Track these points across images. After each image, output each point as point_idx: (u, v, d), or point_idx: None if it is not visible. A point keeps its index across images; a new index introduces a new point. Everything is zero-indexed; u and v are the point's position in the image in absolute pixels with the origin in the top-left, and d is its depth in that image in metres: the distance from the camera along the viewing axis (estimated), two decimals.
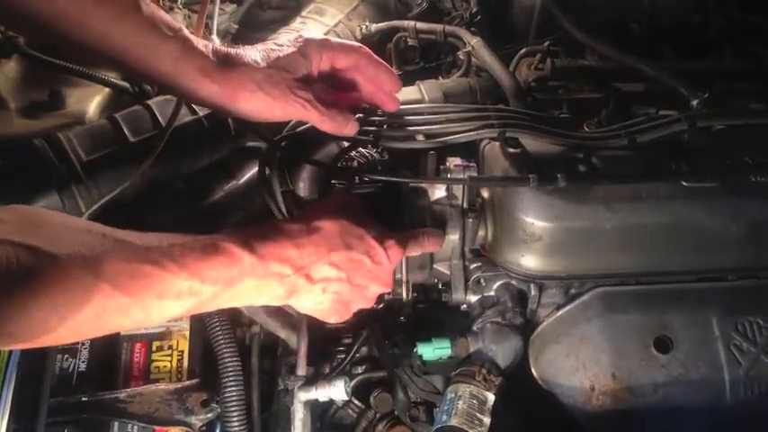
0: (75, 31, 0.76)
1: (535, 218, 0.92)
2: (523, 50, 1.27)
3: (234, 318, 0.97)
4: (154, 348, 0.89)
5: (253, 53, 0.82)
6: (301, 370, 0.92)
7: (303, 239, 0.76)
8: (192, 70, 0.78)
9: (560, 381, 0.95)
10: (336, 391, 0.89)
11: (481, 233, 1.01)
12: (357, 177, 1.06)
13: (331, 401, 0.97)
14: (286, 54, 0.83)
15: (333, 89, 0.90)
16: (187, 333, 0.90)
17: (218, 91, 0.79)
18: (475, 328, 0.98)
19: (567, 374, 0.95)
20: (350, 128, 0.88)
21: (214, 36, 1.19)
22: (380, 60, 0.90)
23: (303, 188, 1.04)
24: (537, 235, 0.92)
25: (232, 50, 0.82)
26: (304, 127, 1.05)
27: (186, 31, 0.79)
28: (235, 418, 0.84)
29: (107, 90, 1.23)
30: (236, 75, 0.79)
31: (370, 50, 0.89)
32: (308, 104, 0.82)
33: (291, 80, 0.81)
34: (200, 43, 0.80)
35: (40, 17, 0.76)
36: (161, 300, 0.64)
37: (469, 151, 1.04)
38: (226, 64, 0.80)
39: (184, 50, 0.78)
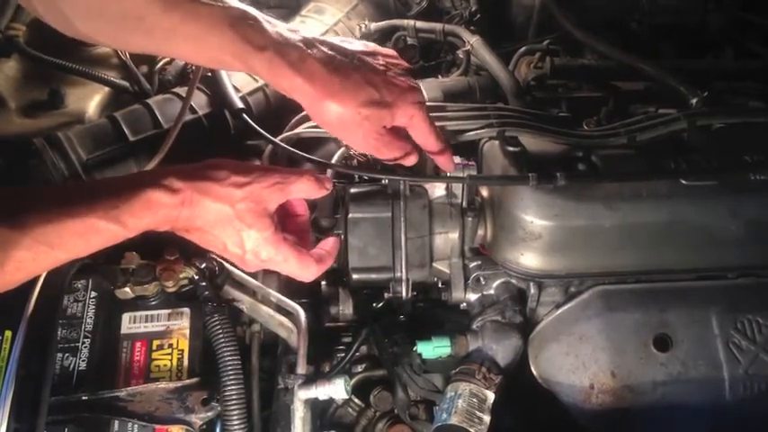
0: (166, 47, 0.79)
1: (534, 216, 0.92)
2: (523, 49, 1.27)
3: (234, 316, 0.97)
4: (154, 347, 0.89)
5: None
6: (301, 368, 0.92)
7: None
8: (282, 87, 0.80)
9: (560, 379, 0.95)
10: (336, 389, 0.89)
11: (480, 232, 1.01)
12: (357, 176, 1.07)
13: (331, 400, 0.97)
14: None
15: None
16: (187, 332, 0.90)
17: (306, 104, 0.81)
18: (474, 326, 0.98)
19: (567, 373, 0.95)
20: (408, 158, 0.87)
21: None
22: (430, 121, 0.87)
23: None
24: (536, 233, 0.92)
25: (325, 74, 0.79)
26: (304, 126, 1.05)
27: (272, 51, 0.78)
28: (235, 417, 0.84)
29: (107, 89, 1.23)
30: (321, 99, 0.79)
31: (424, 103, 0.87)
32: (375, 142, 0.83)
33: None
34: (289, 62, 0.78)
35: (133, 34, 0.78)
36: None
37: (469, 150, 1.04)
38: (318, 90, 0.79)
39: (246, 66, 0.78)
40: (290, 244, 0.81)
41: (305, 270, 0.82)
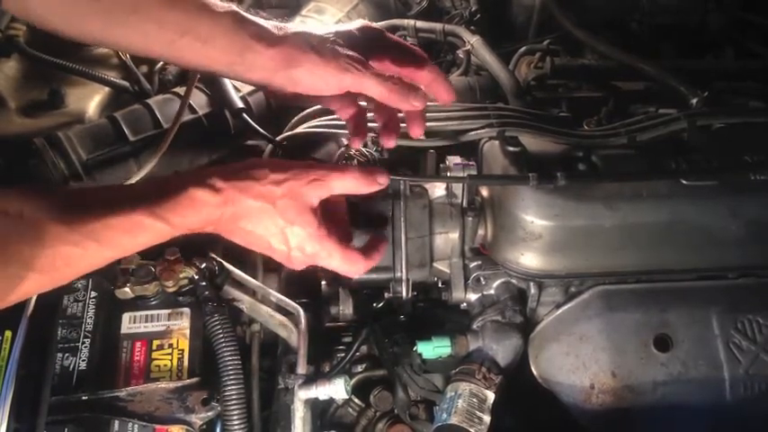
0: (130, 22, 0.76)
1: (535, 216, 0.92)
2: (523, 49, 1.27)
3: (234, 316, 0.97)
4: (154, 347, 0.89)
5: (307, 28, 0.82)
6: (301, 368, 0.92)
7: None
8: (247, 37, 0.77)
9: (560, 379, 0.95)
10: (336, 389, 0.89)
11: (481, 232, 1.01)
12: None
13: (331, 400, 0.97)
14: (342, 30, 0.83)
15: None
16: (187, 332, 0.90)
17: (274, 55, 0.78)
18: (475, 326, 0.98)
19: (567, 373, 0.95)
20: (418, 99, 0.82)
21: None
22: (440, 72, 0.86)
23: None
24: (536, 233, 0.92)
25: (287, 23, 0.82)
26: (305, 126, 1.05)
27: (236, 7, 0.79)
28: (235, 417, 0.84)
29: (107, 89, 1.23)
30: (291, 38, 0.79)
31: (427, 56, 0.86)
32: (365, 70, 0.79)
33: (346, 49, 0.80)
34: (252, 15, 0.80)
35: (92, 16, 0.76)
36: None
37: (469, 150, 1.04)
38: (281, 30, 0.80)
39: (238, 21, 0.78)
40: (335, 240, 0.79)
41: (351, 265, 0.81)
